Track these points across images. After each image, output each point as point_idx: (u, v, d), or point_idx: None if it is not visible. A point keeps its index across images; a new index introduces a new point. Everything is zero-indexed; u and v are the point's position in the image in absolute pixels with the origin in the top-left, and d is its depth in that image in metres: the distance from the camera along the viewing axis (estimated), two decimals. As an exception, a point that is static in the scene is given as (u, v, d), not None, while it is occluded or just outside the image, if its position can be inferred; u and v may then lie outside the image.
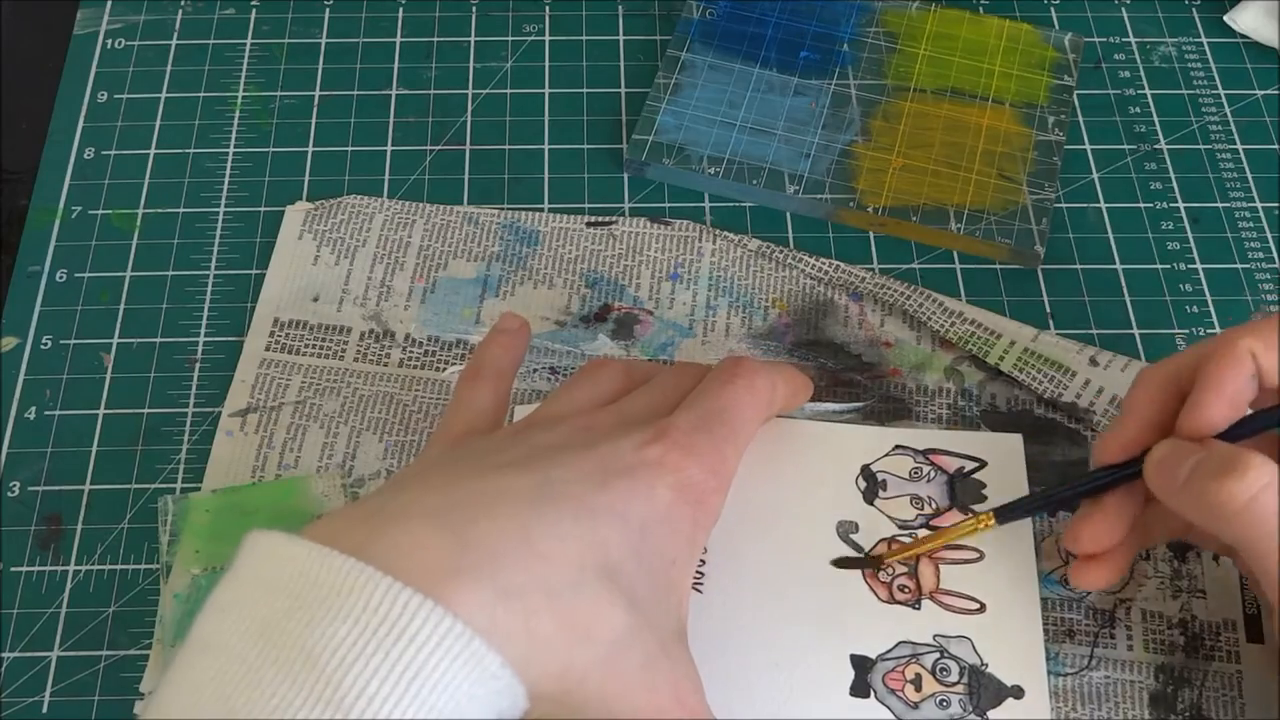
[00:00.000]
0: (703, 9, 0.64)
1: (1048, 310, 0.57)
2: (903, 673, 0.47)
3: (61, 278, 0.57)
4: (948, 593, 0.49)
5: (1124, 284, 0.58)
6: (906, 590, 0.49)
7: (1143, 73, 0.64)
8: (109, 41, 0.65)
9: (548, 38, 0.65)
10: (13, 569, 0.50)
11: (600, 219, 0.59)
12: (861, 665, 0.47)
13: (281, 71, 0.64)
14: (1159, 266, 0.58)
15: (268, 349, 0.55)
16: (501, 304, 0.56)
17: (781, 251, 0.58)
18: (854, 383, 0.54)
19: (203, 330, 0.56)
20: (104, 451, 0.53)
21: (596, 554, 0.39)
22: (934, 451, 0.52)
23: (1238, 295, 0.58)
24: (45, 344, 0.56)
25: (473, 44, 0.65)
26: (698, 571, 0.48)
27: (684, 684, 0.40)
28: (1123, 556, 0.47)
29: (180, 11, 0.66)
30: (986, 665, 0.48)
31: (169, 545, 0.49)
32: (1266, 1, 0.64)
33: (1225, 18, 0.66)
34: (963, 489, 0.51)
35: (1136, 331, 0.56)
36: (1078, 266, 0.58)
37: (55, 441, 0.53)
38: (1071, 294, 0.57)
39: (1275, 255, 0.59)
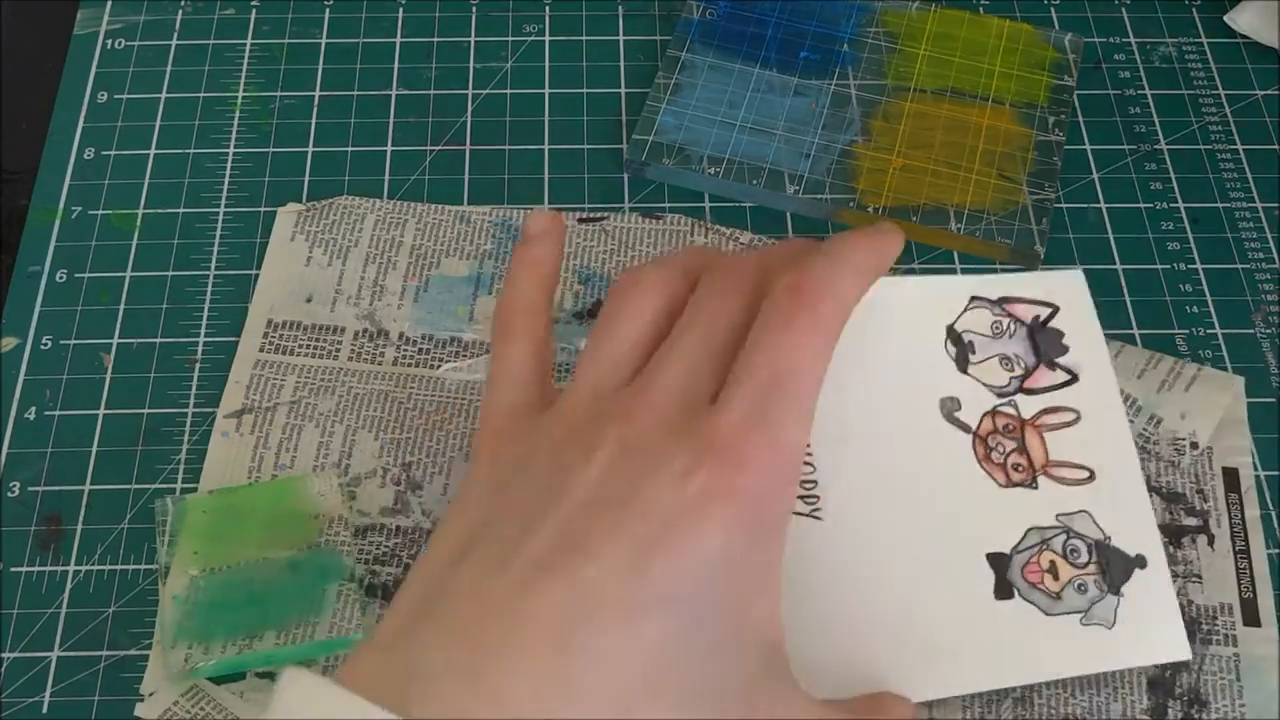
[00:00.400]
0: (703, 9, 0.64)
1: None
2: (1038, 562, 0.46)
3: (61, 278, 0.57)
4: (1058, 464, 0.48)
5: (1124, 284, 0.58)
6: (1021, 469, 0.47)
7: (1143, 73, 0.64)
8: (109, 41, 0.65)
9: (548, 38, 0.65)
10: (13, 569, 0.50)
11: (591, 215, 0.59)
12: (999, 564, 0.46)
13: (281, 71, 0.64)
14: (1159, 266, 0.58)
15: (262, 350, 0.55)
16: (495, 301, 0.56)
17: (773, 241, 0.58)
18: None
19: (203, 330, 0.56)
20: (104, 452, 0.53)
21: (645, 662, 0.35)
22: (1008, 300, 0.49)
23: (1238, 295, 0.57)
24: (45, 344, 0.56)
25: (473, 44, 0.65)
26: (812, 496, 0.45)
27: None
28: None
29: (180, 11, 0.66)
30: (1109, 538, 0.47)
31: (167, 547, 0.49)
32: (1266, 1, 0.64)
33: (1225, 18, 0.65)
34: (1045, 341, 0.49)
35: (1136, 331, 0.56)
36: (1078, 267, 0.58)
37: (55, 441, 0.53)
38: (1071, 294, 0.57)
39: (1275, 255, 0.59)
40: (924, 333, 0.48)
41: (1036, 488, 0.47)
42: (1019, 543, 0.47)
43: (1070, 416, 0.49)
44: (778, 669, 0.39)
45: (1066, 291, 0.50)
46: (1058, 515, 0.47)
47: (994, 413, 0.48)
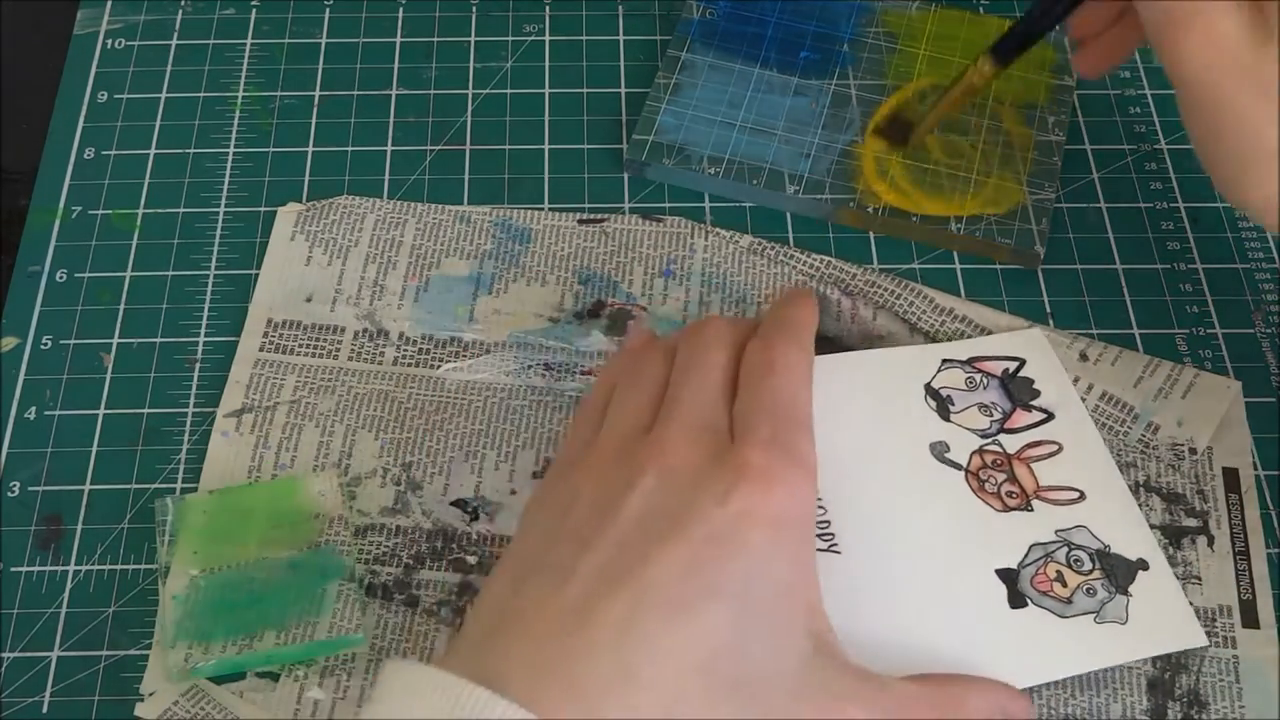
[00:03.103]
0: (703, 9, 0.64)
1: (1048, 310, 0.57)
2: (1045, 573, 0.49)
3: (61, 278, 0.57)
4: (1049, 488, 0.51)
5: (1124, 284, 0.58)
6: (1014, 495, 0.51)
7: (1143, 73, 0.64)
8: (109, 41, 0.65)
9: (548, 38, 0.65)
10: (13, 569, 0.51)
11: (592, 217, 0.59)
12: (1008, 578, 0.49)
13: (281, 71, 0.64)
14: (1159, 266, 0.58)
15: (262, 349, 0.55)
16: (495, 301, 0.56)
17: (773, 248, 0.58)
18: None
19: (203, 330, 0.56)
20: (104, 451, 0.53)
21: (699, 651, 0.40)
22: (977, 359, 0.54)
23: (1238, 295, 0.57)
24: (45, 344, 0.56)
25: (473, 44, 0.65)
26: (828, 534, 0.49)
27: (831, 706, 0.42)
28: (1118, 44, 0.52)
29: (180, 11, 0.66)
30: (1109, 546, 0.50)
31: (167, 546, 0.49)
32: (1267, 1, 0.64)
33: (1226, 17, 0.65)
34: (1017, 389, 0.53)
35: (1136, 331, 0.56)
36: (1078, 266, 0.58)
37: (55, 441, 0.53)
38: (1071, 294, 0.57)
39: (1275, 255, 0.59)
40: (904, 392, 0.53)
41: (1032, 510, 0.50)
42: (1024, 558, 0.49)
43: (1053, 448, 0.52)
44: (829, 651, 0.43)
45: (1029, 346, 0.55)
46: (1056, 531, 0.50)
47: (981, 451, 0.52)
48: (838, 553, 0.49)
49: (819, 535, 0.49)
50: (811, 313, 0.51)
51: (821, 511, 0.49)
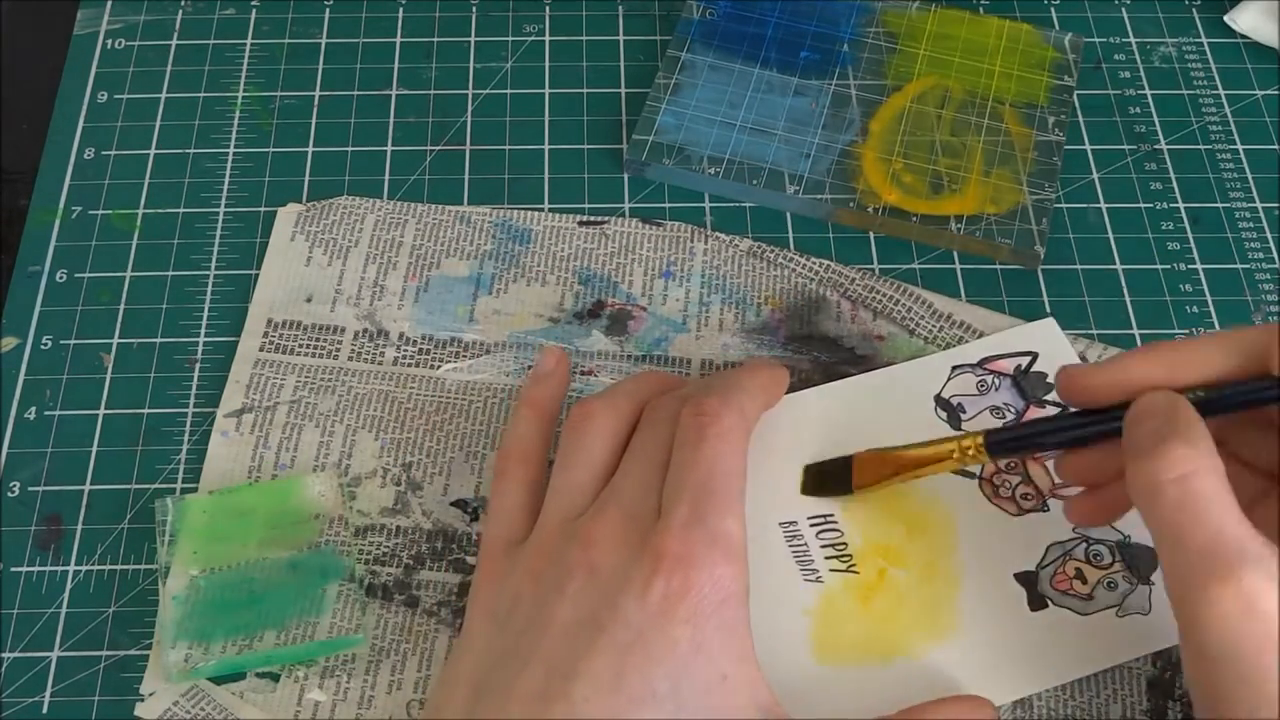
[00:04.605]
0: (703, 9, 0.64)
1: (1048, 310, 0.57)
2: (1065, 571, 0.49)
3: (61, 278, 0.57)
4: (1065, 485, 0.50)
5: (1124, 284, 0.58)
6: (1030, 497, 0.50)
7: (1143, 73, 0.64)
8: (109, 41, 0.65)
9: (548, 38, 0.65)
10: (13, 569, 0.50)
11: (592, 219, 0.59)
12: (1028, 580, 0.49)
13: (281, 71, 0.64)
14: (1159, 266, 0.58)
15: (262, 349, 0.55)
16: (495, 301, 0.56)
17: (773, 251, 0.58)
18: (847, 375, 0.54)
19: (203, 330, 0.56)
20: (104, 451, 0.53)
21: None
22: (988, 360, 0.54)
23: (1238, 295, 0.57)
24: (45, 344, 0.56)
25: (473, 44, 0.65)
26: (846, 555, 0.49)
27: None
28: (1118, 496, 0.44)
29: (180, 11, 0.66)
30: (1129, 536, 0.49)
31: (167, 547, 0.49)
32: (1266, 1, 0.64)
33: (1225, 18, 0.65)
34: (1029, 385, 0.53)
35: (1136, 331, 0.56)
36: (1078, 266, 0.58)
37: (55, 441, 0.53)
38: (1071, 294, 0.57)
39: (1275, 255, 0.59)
40: (915, 406, 0.53)
41: (1048, 510, 0.50)
42: (1042, 559, 0.49)
43: None
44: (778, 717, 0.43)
45: (1042, 339, 0.54)
46: (1074, 528, 0.50)
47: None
48: (855, 573, 0.49)
49: (836, 556, 0.49)
50: (771, 378, 0.50)
51: (838, 534, 0.49)
